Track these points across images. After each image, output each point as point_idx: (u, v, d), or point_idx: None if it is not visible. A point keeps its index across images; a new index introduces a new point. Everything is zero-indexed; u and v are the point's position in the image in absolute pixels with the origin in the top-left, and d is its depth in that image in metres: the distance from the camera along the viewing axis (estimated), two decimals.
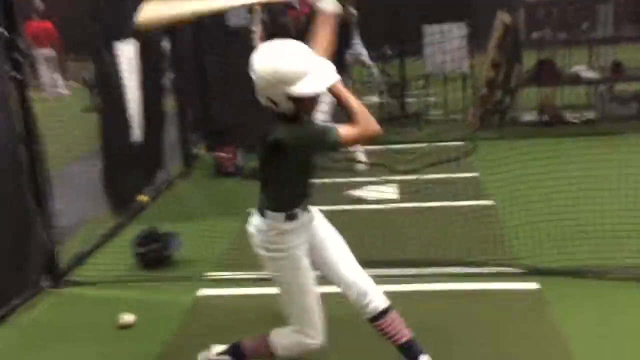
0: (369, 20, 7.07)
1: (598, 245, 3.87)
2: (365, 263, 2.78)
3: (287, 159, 2.42)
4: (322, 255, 2.71)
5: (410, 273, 3.98)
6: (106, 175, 5.24)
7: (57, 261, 4.28)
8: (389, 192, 5.63)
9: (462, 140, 6.60)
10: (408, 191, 5.39)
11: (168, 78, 6.84)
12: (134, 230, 4.74)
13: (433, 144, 5.86)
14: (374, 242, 4.19)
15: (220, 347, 2.96)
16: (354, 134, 2.41)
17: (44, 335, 3.62)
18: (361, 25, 7.20)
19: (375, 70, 8.16)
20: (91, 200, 5.00)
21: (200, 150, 7.49)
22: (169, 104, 6.75)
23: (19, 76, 3.96)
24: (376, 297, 2.69)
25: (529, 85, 7.71)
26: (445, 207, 4.82)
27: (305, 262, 2.63)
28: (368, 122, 2.42)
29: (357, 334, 3.11)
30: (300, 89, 2.32)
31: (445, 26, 7.65)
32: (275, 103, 2.38)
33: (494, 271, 3.93)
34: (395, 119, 7.84)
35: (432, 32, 7.76)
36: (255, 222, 2.63)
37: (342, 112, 2.50)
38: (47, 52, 12.42)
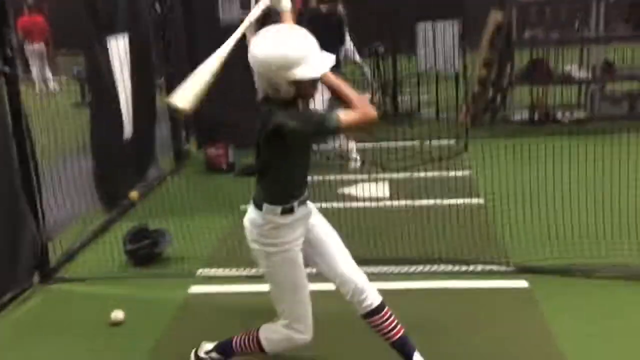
0: (361, 18, 7.08)
1: (588, 244, 3.90)
2: (356, 261, 2.78)
3: (286, 144, 2.40)
4: (318, 251, 2.71)
5: (400, 271, 4.00)
6: (97, 171, 5.22)
7: (47, 257, 4.27)
8: (381, 190, 5.65)
9: (454, 139, 6.63)
10: (400, 189, 5.40)
11: (159, 74, 6.83)
12: (124, 227, 4.72)
13: (425, 142, 5.87)
14: (365, 240, 4.21)
15: (210, 345, 2.97)
16: (354, 118, 2.42)
17: (34, 332, 3.60)
18: (353, 22, 7.21)
19: (365, 68, 8.17)
20: (82, 196, 4.97)
21: (191, 146, 7.48)
22: (161, 100, 6.72)
23: (9, 71, 3.94)
24: (371, 294, 2.70)
25: (521, 84, 7.74)
26: (436, 205, 4.83)
27: (299, 257, 2.63)
28: (366, 109, 2.43)
29: (351, 331, 3.13)
30: (302, 72, 2.33)
31: (438, 24, 7.66)
32: (276, 89, 2.38)
33: (484, 269, 3.95)
34: (388, 116, 7.86)
35: (425, 30, 7.76)
36: (250, 215, 2.62)
37: (338, 105, 2.51)
38: (38, 46, 12.35)
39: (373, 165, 6.19)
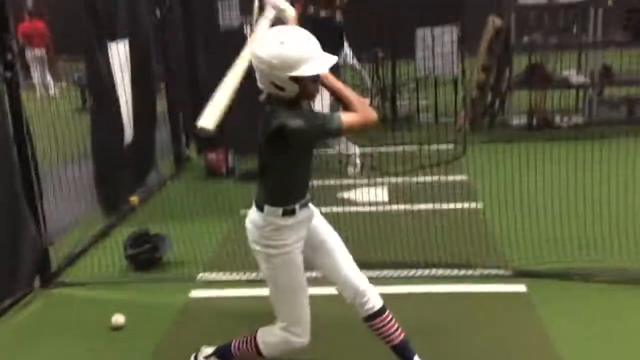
0: (360, 23, 7.10)
1: (585, 248, 3.92)
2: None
3: (288, 145, 2.42)
4: (321, 254, 2.72)
5: (399, 275, 4.02)
6: (98, 176, 5.23)
7: (48, 262, 4.29)
8: (380, 194, 5.67)
9: (453, 143, 6.65)
10: (399, 193, 5.42)
11: (160, 79, 6.86)
12: (125, 232, 4.74)
13: (423, 146, 5.89)
14: (364, 244, 4.22)
15: (210, 349, 2.99)
16: (355, 120, 2.45)
17: (35, 336, 3.62)
18: (353, 27, 7.23)
19: (364, 73, 8.19)
20: (83, 201, 4.99)
21: (191, 151, 7.50)
22: (161, 105, 6.75)
23: (10, 76, 3.96)
24: (373, 297, 2.72)
25: (519, 88, 7.77)
26: (435, 210, 4.85)
27: (299, 260, 2.64)
28: (367, 111, 2.47)
29: (350, 335, 3.14)
30: (306, 70, 2.36)
31: (437, 29, 7.68)
32: (280, 88, 2.40)
33: (483, 273, 3.97)
34: (387, 121, 7.88)
35: (423, 35, 7.79)
36: (252, 216, 2.63)
37: (339, 107, 2.53)
38: (39, 52, 12.38)
39: (372, 169, 6.21)
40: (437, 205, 4.92)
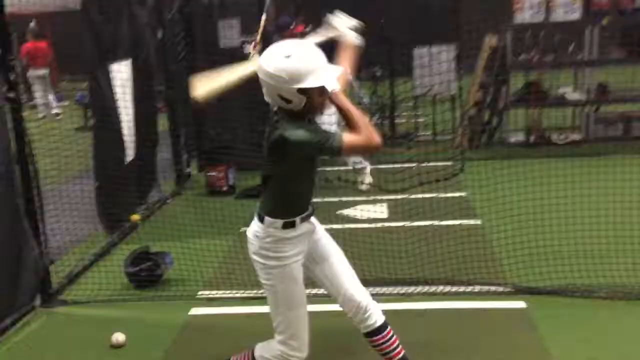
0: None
1: (585, 264, 3.93)
2: None
3: (287, 156, 2.44)
4: (323, 269, 2.72)
5: (398, 292, 4.03)
6: (99, 194, 5.27)
7: (49, 280, 4.30)
8: (379, 211, 5.70)
9: (451, 160, 6.69)
10: (397, 210, 5.45)
11: (161, 98, 6.92)
12: (126, 250, 4.76)
13: (422, 164, 5.93)
14: (364, 261, 4.23)
15: None
16: (357, 142, 2.46)
17: (36, 355, 3.63)
18: None
19: (362, 91, 8.25)
20: (84, 219, 5.02)
21: (192, 169, 7.54)
22: (162, 123, 6.81)
23: (13, 96, 4.02)
24: (375, 313, 2.72)
25: (516, 106, 7.84)
26: (434, 226, 4.88)
27: (299, 273, 2.63)
28: (371, 134, 2.46)
29: (348, 350, 3.15)
30: (312, 81, 2.38)
31: (434, 48, 7.76)
32: (287, 100, 2.43)
33: (482, 290, 3.98)
34: (385, 139, 7.92)
35: (421, 54, 7.88)
36: (253, 227, 2.64)
37: (344, 127, 2.54)
38: (42, 72, 12.48)
39: (372, 186, 6.25)
40: (436, 222, 4.94)
